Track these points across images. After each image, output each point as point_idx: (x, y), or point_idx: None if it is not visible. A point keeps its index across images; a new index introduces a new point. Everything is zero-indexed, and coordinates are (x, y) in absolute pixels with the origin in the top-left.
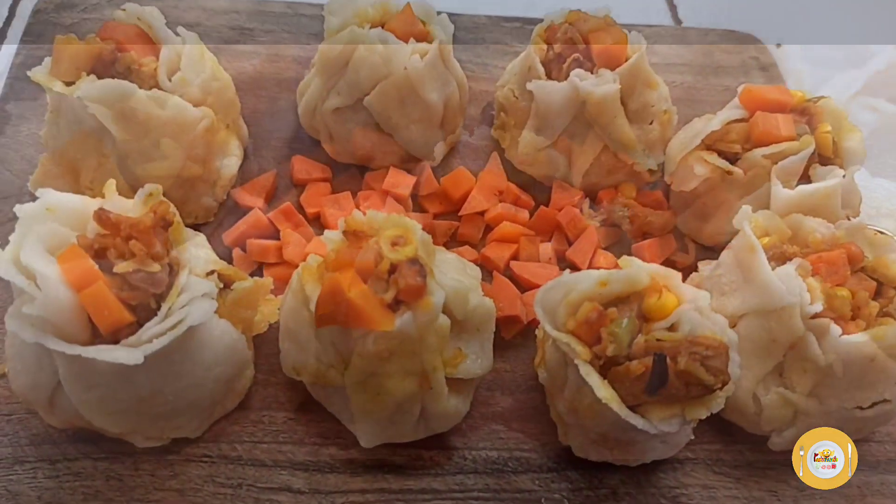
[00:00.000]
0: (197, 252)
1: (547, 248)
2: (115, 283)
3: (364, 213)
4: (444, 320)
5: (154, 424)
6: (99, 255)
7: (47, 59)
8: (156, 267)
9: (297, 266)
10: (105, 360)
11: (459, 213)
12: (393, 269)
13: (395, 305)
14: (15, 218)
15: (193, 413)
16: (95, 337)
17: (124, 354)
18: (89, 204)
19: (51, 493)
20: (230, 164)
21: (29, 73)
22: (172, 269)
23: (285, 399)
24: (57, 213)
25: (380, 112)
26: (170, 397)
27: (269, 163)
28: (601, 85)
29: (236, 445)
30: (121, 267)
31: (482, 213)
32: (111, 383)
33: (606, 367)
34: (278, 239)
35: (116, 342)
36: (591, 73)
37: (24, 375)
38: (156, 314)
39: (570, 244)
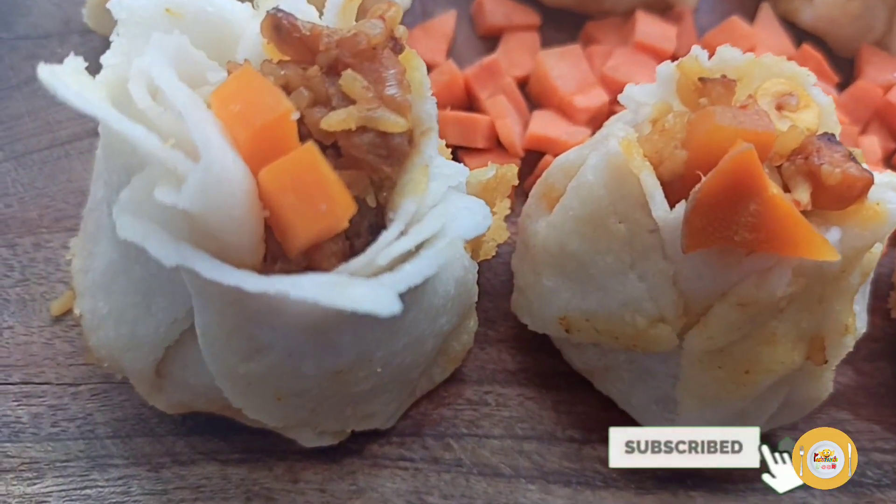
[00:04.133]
0: None
1: (873, 144)
2: None
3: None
4: (878, 248)
5: (338, 412)
6: None
7: None
8: (398, 123)
9: (516, 153)
10: (333, 307)
11: None
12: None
13: None
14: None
15: (394, 392)
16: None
17: (374, 295)
18: (240, 8)
19: None
20: None
21: None
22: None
23: (516, 367)
24: (184, 22)
25: None
26: (377, 367)
27: (438, 2)
28: None
29: (450, 441)
30: (336, 120)
31: None
32: (297, 347)
33: None
34: (473, 110)
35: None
36: None
37: (115, 323)
38: (377, 221)
39: (893, 138)
